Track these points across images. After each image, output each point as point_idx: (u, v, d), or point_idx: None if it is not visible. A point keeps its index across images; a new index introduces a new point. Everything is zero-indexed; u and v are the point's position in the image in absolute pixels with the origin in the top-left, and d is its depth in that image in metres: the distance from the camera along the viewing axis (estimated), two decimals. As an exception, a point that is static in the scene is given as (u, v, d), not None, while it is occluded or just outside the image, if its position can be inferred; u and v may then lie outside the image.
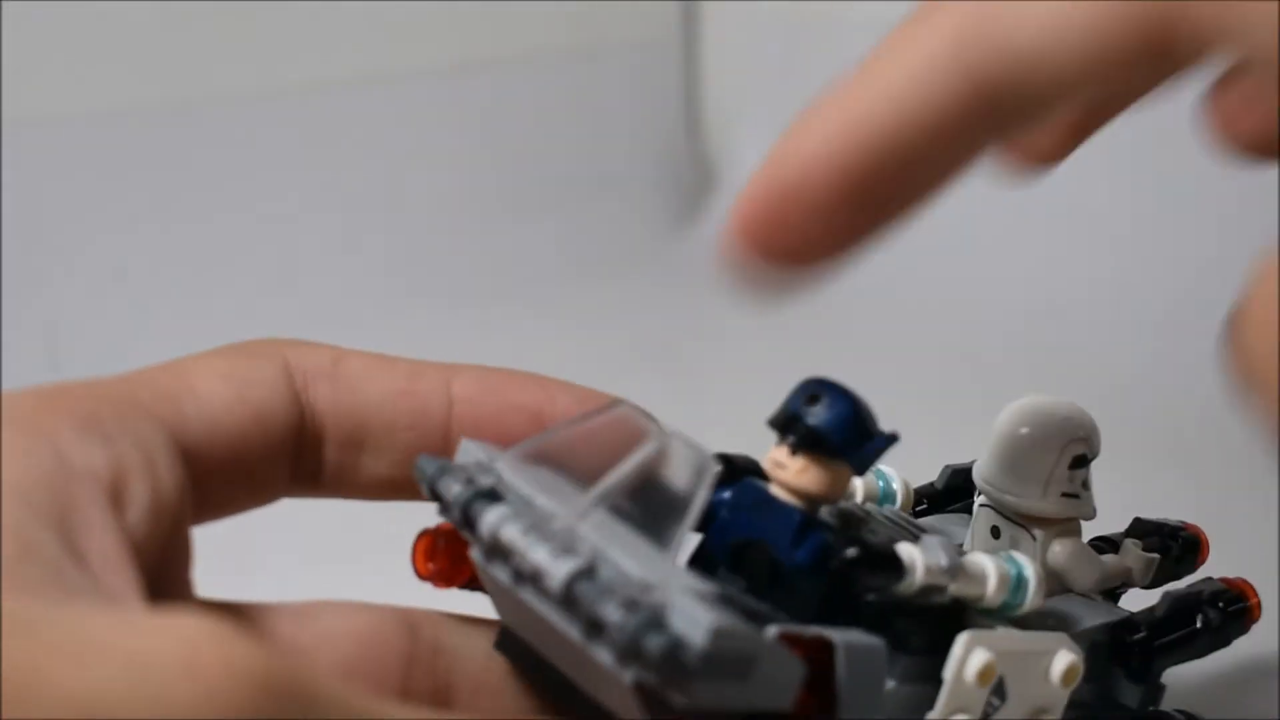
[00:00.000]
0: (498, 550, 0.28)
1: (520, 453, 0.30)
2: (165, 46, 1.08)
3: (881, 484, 0.37)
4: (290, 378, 0.28)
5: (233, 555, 0.81)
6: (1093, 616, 0.34)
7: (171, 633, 0.20)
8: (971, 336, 1.05)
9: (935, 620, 0.30)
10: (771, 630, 0.27)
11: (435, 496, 0.29)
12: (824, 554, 0.29)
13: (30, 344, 0.99)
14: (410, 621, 0.31)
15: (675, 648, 0.25)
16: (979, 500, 0.36)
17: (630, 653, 0.25)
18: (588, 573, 0.27)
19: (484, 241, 1.20)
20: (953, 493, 0.39)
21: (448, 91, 1.21)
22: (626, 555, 0.27)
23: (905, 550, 0.30)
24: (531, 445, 0.30)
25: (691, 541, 0.32)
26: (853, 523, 0.32)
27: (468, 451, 0.30)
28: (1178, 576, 0.38)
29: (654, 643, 0.25)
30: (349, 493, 0.30)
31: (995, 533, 0.35)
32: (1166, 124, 1.13)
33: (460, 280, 1.16)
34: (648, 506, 0.29)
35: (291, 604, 0.31)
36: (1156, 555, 0.37)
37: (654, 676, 0.26)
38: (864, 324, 1.07)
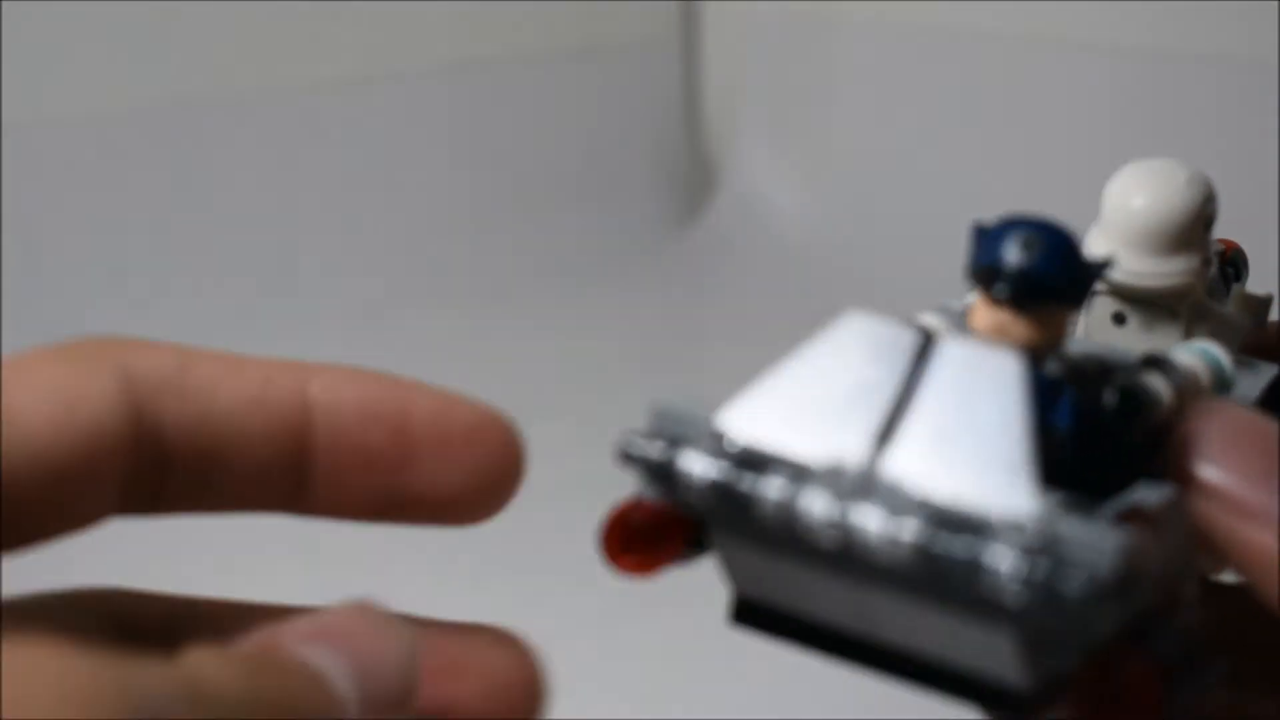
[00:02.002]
0: (783, 525, 0.24)
1: (741, 405, 0.26)
2: (165, 46, 1.08)
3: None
4: (129, 389, 0.24)
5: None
6: (1256, 376, 0.31)
7: None
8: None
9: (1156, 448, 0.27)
10: (1119, 531, 0.24)
11: (660, 474, 0.26)
12: (1081, 409, 0.26)
13: (30, 344, 0.99)
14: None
15: (1097, 583, 0.23)
16: (1097, 289, 0.32)
17: (1035, 597, 0.23)
18: (940, 521, 0.23)
19: (484, 241, 1.19)
20: None
21: (448, 91, 1.21)
22: (966, 492, 0.24)
23: (1151, 380, 0.27)
24: (750, 393, 0.26)
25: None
26: (1067, 365, 0.27)
27: (666, 419, 0.26)
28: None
29: (1070, 585, 0.22)
30: (195, 510, 0.26)
31: (1120, 319, 0.31)
32: (1165, 117, 1.13)
33: (460, 279, 1.16)
34: (952, 429, 0.25)
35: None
36: (1271, 294, 0.33)
37: (1053, 615, 0.23)
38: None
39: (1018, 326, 0.26)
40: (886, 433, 0.25)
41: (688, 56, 1.36)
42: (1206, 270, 0.31)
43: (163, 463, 0.24)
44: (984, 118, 1.21)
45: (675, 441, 0.26)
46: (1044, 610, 0.23)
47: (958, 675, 0.25)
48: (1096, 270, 0.27)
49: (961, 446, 0.25)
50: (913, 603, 0.25)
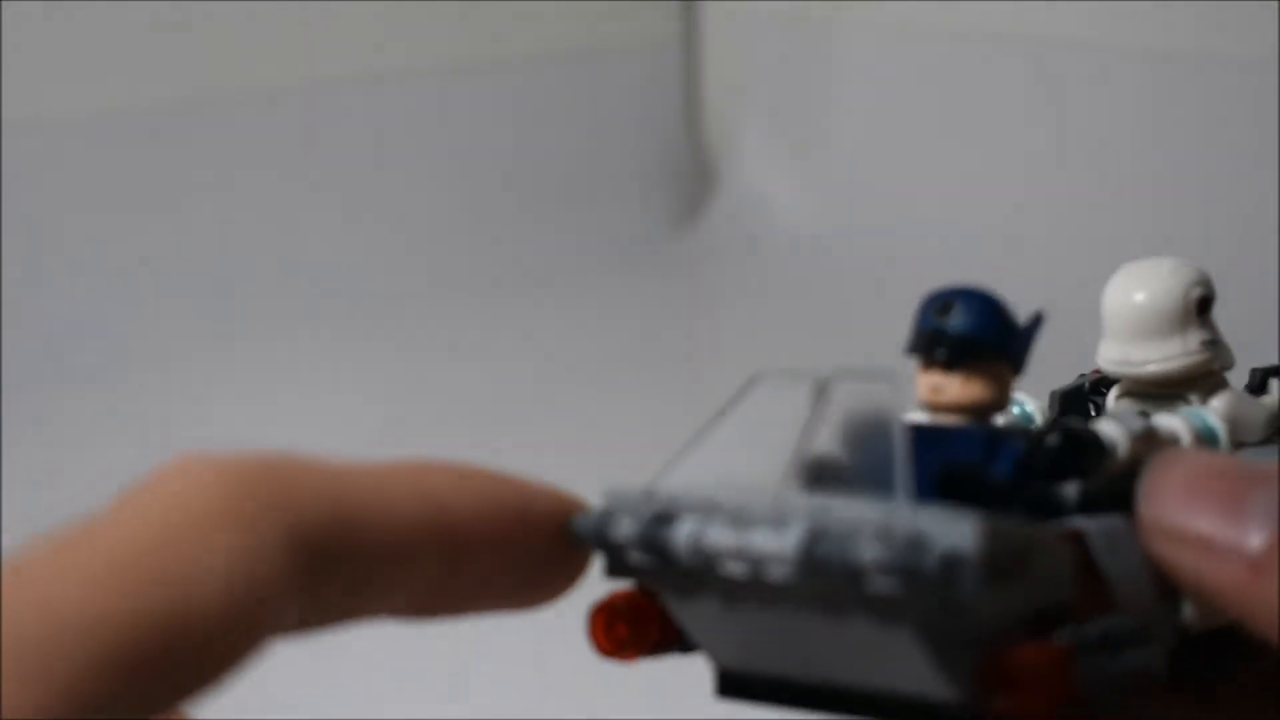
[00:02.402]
0: (702, 566, 0.26)
1: (675, 471, 0.28)
2: (165, 46, 1.08)
3: (1018, 410, 0.34)
4: (299, 557, 0.24)
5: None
6: (1272, 453, 0.32)
7: None
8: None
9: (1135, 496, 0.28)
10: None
11: (603, 546, 0.27)
12: (1025, 458, 0.27)
13: (30, 344, 0.99)
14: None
15: (952, 560, 0.23)
16: (1115, 395, 0.33)
17: (906, 584, 0.24)
18: (820, 532, 0.25)
19: (484, 241, 1.20)
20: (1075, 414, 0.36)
21: (448, 92, 1.21)
22: (850, 504, 0.25)
23: (1103, 426, 0.28)
24: (680, 458, 0.28)
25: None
26: (1027, 430, 0.29)
27: (615, 498, 0.28)
28: None
29: (928, 563, 0.23)
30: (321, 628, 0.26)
31: (1144, 417, 0.33)
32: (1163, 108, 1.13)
33: (460, 279, 1.16)
34: (844, 458, 0.27)
35: None
36: None
37: (937, 604, 0.24)
38: (862, 321, 1.07)
39: (952, 385, 0.28)
40: (790, 470, 0.27)
41: (688, 56, 1.36)
42: (1214, 353, 0.32)
43: (312, 605, 0.24)
44: (985, 118, 1.21)
45: (610, 514, 0.27)
46: (915, 597, 0.24)
47: (909, 705, 0.26)
48: (1030, 328, 0.28)
49: (847, 470, 0.27)
50: (832, 629, 0.26)
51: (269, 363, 1.02)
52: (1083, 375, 0.35)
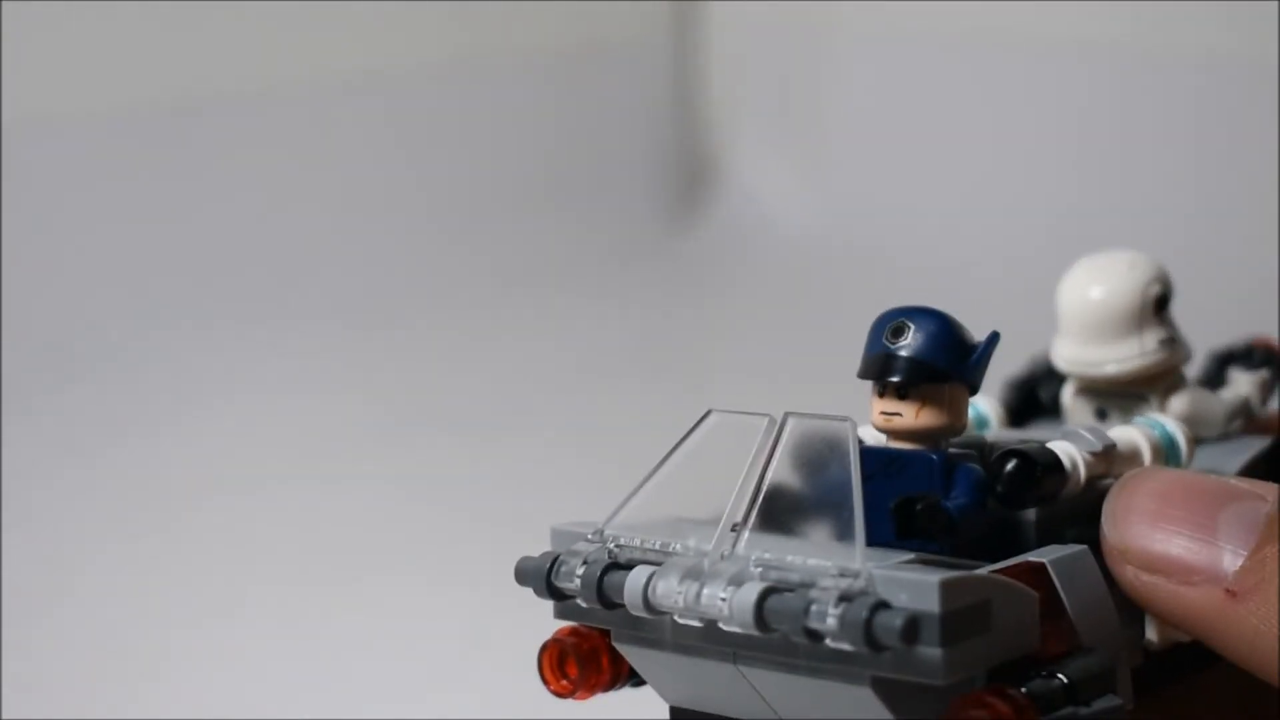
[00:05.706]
0: (654, 617, 0.25)
1: (624, 510, 0.27)
2: (165, 46, 1.08)
3: (972, 412, 0.33)
4: None
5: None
6: (1240, 453, 0.32)
7: None
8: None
9: (1096, 515, 0.27)
10: (982, 571, 0.25)
11: (551, 593, 0.27)
12: (982, 484, 0.27)
13: (30, 344, 0.99)
14: None
15: (915, 623, 0.23)
16: (1070, 390, 0.33)
17: (868, 645, 0.23)
18: (774, 590, 0.24)
19: (481, 241, 1.19)
20: (1025, 408, 0.34)
21: (445, 91, 1.21)
22: (803, 556, 0.25)
23: (1060, 448, 0.28)
24: (632, 498, 0.27)
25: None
26: (984, 449, 0.28)
27: (562, 537, 0.27)
28: None
29: (891, 624, 0.23)
30: None
31: (1102, 415, 0.32)
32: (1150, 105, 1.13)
33: (458, 279, 1.16)
34: (798, 502, 0.26)
35: None
36: (1264, 372, 0.34)
37: (898, 662, 0.23)
38: (861, 321, 1.07)
39: (907, 412, 0.27)
40: (744, 513, 0.26)
41: (687, 56, 1.36)
42: (1171, 351, 0.32)
43: None
44: (984, 117, 1.21)
45: (559, 557, 0.27)
46: (876, 656, 0.23)
47: None
48: (985, 347, 0.28)
49: (801, 516, 0.26)
50: (788, 679, 0.25)
51: (267, 362, 1.02)
52: (1033, 359, 0.34)
